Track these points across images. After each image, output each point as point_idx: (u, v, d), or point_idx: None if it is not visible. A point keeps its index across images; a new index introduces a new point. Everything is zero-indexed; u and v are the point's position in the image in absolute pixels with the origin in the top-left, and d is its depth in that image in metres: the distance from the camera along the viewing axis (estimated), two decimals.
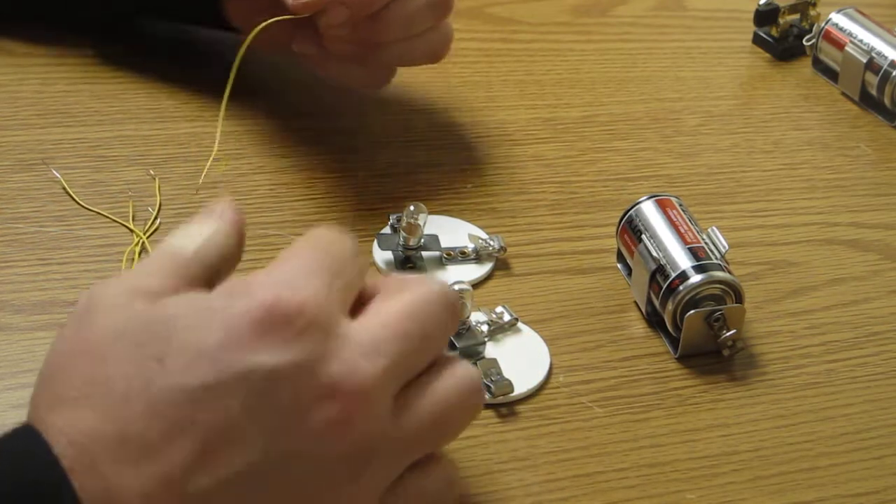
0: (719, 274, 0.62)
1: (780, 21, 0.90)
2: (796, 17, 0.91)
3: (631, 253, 0.65)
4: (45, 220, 0.68)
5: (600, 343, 0.63)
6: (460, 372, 0.49)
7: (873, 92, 0.83)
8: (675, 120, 0.82)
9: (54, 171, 0.71)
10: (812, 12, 0.91)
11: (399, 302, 0.48)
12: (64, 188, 0.70)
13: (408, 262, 0.66)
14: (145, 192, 0.70)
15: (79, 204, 0.69)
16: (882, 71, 0.82)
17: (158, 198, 0.70)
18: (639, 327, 0.65)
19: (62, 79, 0.80)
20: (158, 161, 0.72)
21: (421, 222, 0.66)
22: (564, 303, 0.66)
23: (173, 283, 0.48)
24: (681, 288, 0.61)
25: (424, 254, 0.67)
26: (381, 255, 0.67)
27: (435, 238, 0.68)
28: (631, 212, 0.66)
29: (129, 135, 0.74)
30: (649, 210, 0.66)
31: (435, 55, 0.72)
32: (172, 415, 0.43)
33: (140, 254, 0.66)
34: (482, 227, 0.69)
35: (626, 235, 0.66)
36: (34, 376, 0.58)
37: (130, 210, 0.69)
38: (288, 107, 0.79)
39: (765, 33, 0.90)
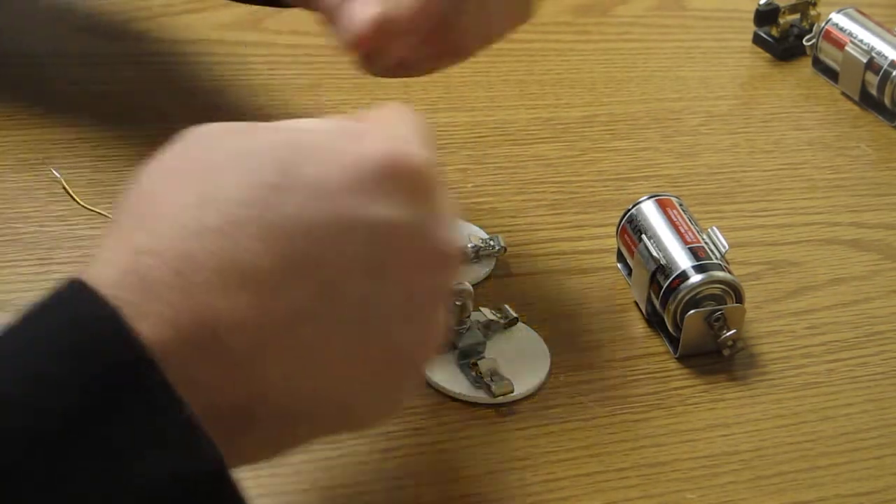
0: (719, 274, 0.62)
1: (781, 21, 0.90)
2: (796, 17, 0.91)
3: (631, 253, 0.65)
4: (45, 219, 0.68)
5: (600, 343, 0.63)
6: None
7: (873, 92, 0.83)
8: (676, 120, 0.82)
9: (54, 171, 0.71)
10: (812, 12, 0.91)
11: None
12: (64, 188, 0.70)
13: None
14: None
15: (79, 204, 0.69)
16: (882, 71, 0.82)
17: None
18: (639, 327, 0.65)
19: (62, 79, 0.80)
20: None
21: None
22: (564, 303, 0.65)
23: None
24: (681, 288, 0.61)
25: None
26: None
27: None
28: (631, 211, 0.66)
29: (129, 135, 0.74)
30: (649, 210, 0.66)
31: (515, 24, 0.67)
32: (288, 248, 0.41)
33: None
34: (482, 227, 0.69)
35: (626, 235, 0.66)
36: None
37: None
38: (288, 105, 0.79)
39: (765, 33, 0.90)
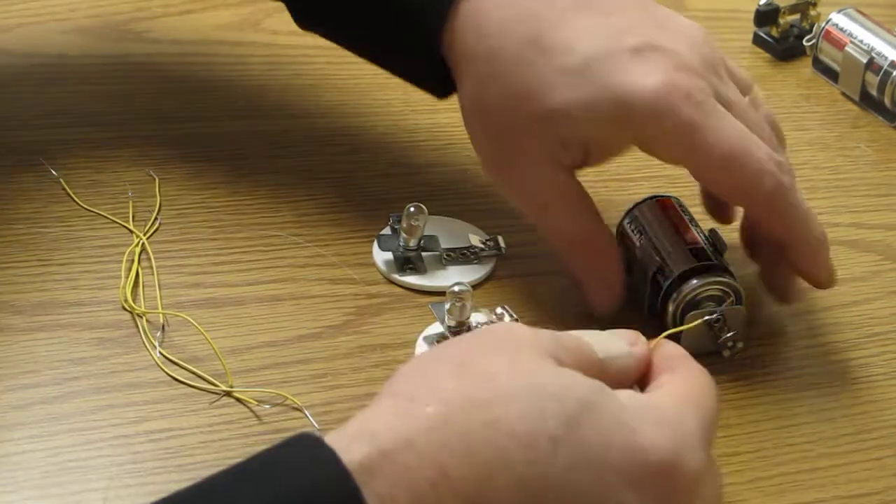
0: (719, 276, 0.62)
1: (781, 21, 0.90)
2: (796, 17, 0.91)
3: (632, 253, 0.65)
4: (45, 220, 0.68)
5: None
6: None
7: (873, 92, 0.83)
8: None
9: (54, 172, 0.71)
10: (812, 12, 0.91)
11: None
12: (64, 188, 0.70)
13: (408, 262, 0.66)
14: (145, 192, 0.70)
15: (79, 204, 0.69)
16: (882, 71, 0.82)
17: (158, 198, 0.70)
18: (640, 326, 0.65)
19: (62, 79, 0.80)
20: (159, 161, 0.72)
21: (421, 223, 0.66)
22: (565, 304, 0.65)
23: (576, 366, 0.48)
24: (681, 289, 0.61)
25: (424, 254, 0.67)
26: (381, 256, 0.67)
27: (435, 239, 0.68)
28: (632, 212, 0.66)
29: (129, 135, 0.74)
30: (650, 210, 0.66)
31: None
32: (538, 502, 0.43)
33: (140, 254, 0.65)
34: (482, 228, 0.69)
35: (626, 236, 0.66)
36: (34, 377, 0.58)
37: (130, 210, 0.69)
38: (288, 107, 0.79)
39: (765, 33, 0.90)
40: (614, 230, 0.67)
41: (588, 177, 0.75)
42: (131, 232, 0.67)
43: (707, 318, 0.61)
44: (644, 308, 0.64)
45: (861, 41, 0.84)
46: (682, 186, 0.75)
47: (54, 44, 0.83)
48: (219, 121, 0.77)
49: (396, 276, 0.66)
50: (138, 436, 0.56)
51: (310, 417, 0.57)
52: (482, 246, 0.67)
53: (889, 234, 0.73)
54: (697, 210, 0.69)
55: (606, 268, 0.63)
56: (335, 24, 0.70)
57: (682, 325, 0.62)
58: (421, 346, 0.62)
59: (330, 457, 0.42)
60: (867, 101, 0.84)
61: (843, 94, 0.86)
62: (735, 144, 0.60)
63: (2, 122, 0.74)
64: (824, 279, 0.64)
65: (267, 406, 0.58)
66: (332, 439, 0.43)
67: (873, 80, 0.83)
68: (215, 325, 0.62)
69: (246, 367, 0.60)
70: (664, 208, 0.66)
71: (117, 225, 0.68)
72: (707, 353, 0.62)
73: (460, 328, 0.61)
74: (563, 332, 0.50)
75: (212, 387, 0.59)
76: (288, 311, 0.64)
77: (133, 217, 0.68)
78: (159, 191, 0.70)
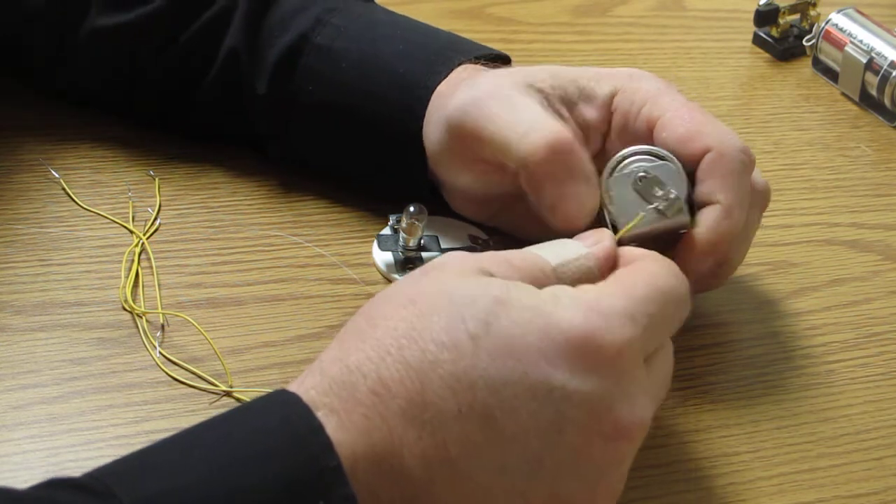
0: (649, 149, 0.60)
1: (780, 21, 0.90)
2: (796, 17, 0.91)
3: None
4: (45, 220, 0.68)
5: None
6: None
7: (873, 92, 0.83)
8: None
9: (54, 172, 0.71)
10: (812, 12, 0.91)
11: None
12: (64, 188, 0.70)
13: (408, 263, 0.66)
14: (145, 192, 0.70)
15: (79, 204, 0.69)
16: (882, 71, 0.82)
17: (158, 198, 0.70)
18: None
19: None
20: (158, 161, 0.72)
21: (421, 223, 0.66)
22: None
23: (522, 278, 0.51)
24: (610, 160, 0.60)
25: (424, 255, 0.67)
26: (381, 256, 0.67)
27: (435, 239, 0.68)
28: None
29: (129, 135, 0.74)
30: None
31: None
32: (471, 398, 0.47)
33: (140, 254, 0.66)
34: (482, 228, 0.69)
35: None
36: (34, 377, 0.58)
37: (130, 210, 0.69)
38: None
39: (765, 33, 0.90)
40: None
41: None
42: (131, 232, 0.67)
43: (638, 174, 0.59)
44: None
45: (861, 41, 0.84)
46: None
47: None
48: None
49: (396, 276, 0.66)
50: (138, 436, 0.56)
51: None
52: (481, 247, 0.67)
53: (889, 234, 0.73)
54: None
55: (575, 170, 0.60)
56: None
57: (610, 188, 0.59)
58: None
59: (283, 392, 0.48)
60: (867, 101, 0.84)
61: (843, 94, 0.86)
62: (698, 113, 0.62)
63: (2, 122, 0.74)
64: (697, 267, 0.60)
65: None
66: (292, 382, 0.49)
67: (873, 80, 0.83)
68: (215, 325, 0.62)
69: (246, 367, 0.60)
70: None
71: (117, 225, 0.68)
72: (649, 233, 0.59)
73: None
74: (514, 251, 0.53)
75: (212, 387, 0.59)
76: (288, 311, 0.64)
77: (133, 217, 0.68)
78: (159, 191, 0.70)
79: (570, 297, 0.49)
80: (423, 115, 0.65)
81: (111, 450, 0.55)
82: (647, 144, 0.61)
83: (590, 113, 0.63)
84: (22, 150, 0.73)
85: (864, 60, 0.83)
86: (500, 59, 0.69)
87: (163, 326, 0.62)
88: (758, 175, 0.63)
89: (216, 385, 0.59)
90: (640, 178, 0.59)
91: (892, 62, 0.82)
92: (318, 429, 0.46)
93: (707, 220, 0.59)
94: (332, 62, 0.68)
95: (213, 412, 0.57)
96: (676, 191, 0.59)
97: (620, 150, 0.61)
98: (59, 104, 0.76)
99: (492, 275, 0.50)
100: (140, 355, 0.60)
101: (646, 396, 0.49)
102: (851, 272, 0.70)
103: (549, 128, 0.60)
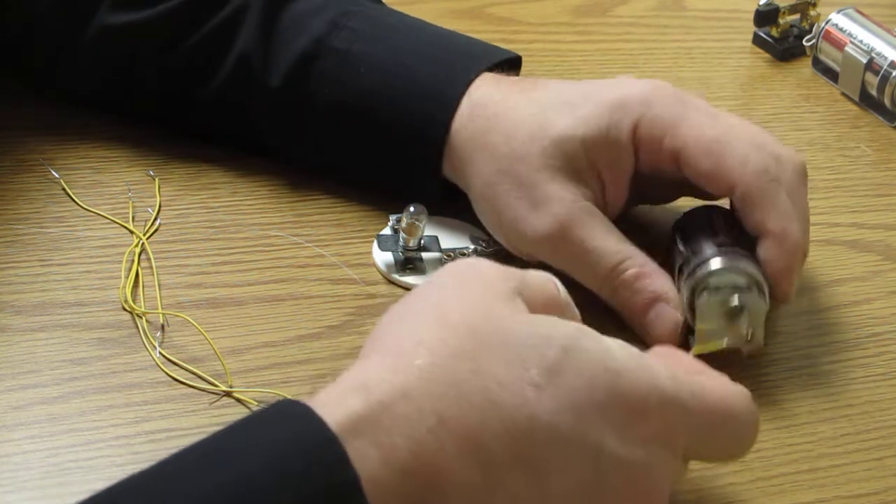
0: (744, 263, 0.60)
1: (780, 21, 0.90)
2: (796, 17, 0.91)
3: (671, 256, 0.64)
4: (45, 220, 0.68)
5: None
6: None
7: (873, 92, 0.83)
8: None
9: (54, 172, 0.71)
10: (812, 12, 0.91)
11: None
12: (64, 189, 0.70)
13: (408, 263, 0.66)
14: (145, 192, 0.70)
15: (79, 205, 0.69)
16: (882, 71, 0.82)
17: (158, 198, 0.70)
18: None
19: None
20: (158, 161, 0.72)
21: (421, 223, 0.66)
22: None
23: (541, 303, 0.51)
24: (698, 270, 0.60)
25: (424, 255, 0.67)
26: (381, 257, 0.67)
27: (435, 239, 0.68)
28: (682, 218, 0.66)
29: (129, 135, 0.74)
30: (698, 213, 0.65)
31: None
32: (526, 445, 0.46)
33: (140, 254, 0.66)
34: (483, 229, 0.69)
35: (672, 240, 0.65)
36: (34, 377, 0.58)
37: (130, 211, 0.69)
38: None
39: (765, 33, 0.90)
40: (646, 243, 0.66)
41: None
42: (131, 232, 0.67)
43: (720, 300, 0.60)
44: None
45: (861, 41, 0.84)
46: None
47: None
48: None
49: (396, 276, 0.66)
50: (138, 436, 0.56)
51: None
52: (481, 247, 0.67)
53: (889, 234, 0.73)
54: None
55: (654, 288, 0.62)
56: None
57: (695, 308, 0.60)
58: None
59: (306, 412, 0.45)
60: (867, 101, 0.84)
61: (843, 94, 0.86)
62: (720, 134, 0.62)
63: (2, 122, 0.74)
64: (784, 290, 0.61)
65: None
66: (325, 395, 0.46)
67: (873, 80, 0.83)
68: (215, 325, 0.62)
69: (246, 367, 0.60)
70: (710, 214, 0.64)
71: (117, 225, 0.68)
72: (726, 352, 0.60)
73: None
74: (526, 270, 0.52)
75: (212, 387, 0.59)
76: (288, 311, 0.64)
77: (133, 217, 0.68)
78: (159, 191, 0.70)
79: (635, 359, 0.49)
80: (446, 123, 0.65)
81: (111, 450, 0.55)
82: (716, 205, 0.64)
83: (618, 157, 0.63)
84: (22, 150, 0.72)
85: (865, 60, 0.83)
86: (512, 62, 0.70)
87: (163, 326, 0.62)
88: (787, 152, 0.63)
89: (216, 385, 0.59)
90: (732, 308, 0.60)
91: (892, 62, 0.82)
92: (335, 448, 0.44)
93: (767, 253, 0.60)
94: (349, 66, 0.68)
95: (213, 412, 0.57)
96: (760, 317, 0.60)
97: (652, 171, 0.63)
98: (59, 104, 0.76)
99: (525, 298, 0.50)
100: (140, 355, 0.60)
101: (670, 482, 0.49)
102: (851, 272, 0.70)
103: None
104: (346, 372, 0.47)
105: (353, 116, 0.68)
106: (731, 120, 0.63)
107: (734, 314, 0.60)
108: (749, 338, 0.60)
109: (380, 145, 0.68)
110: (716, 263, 0.60)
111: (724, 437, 0.51)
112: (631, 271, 0.62)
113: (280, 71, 0.69)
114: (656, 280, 0.62)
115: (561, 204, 0.62)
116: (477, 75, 0.67)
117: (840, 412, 0.61)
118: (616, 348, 0.49)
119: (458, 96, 0.66)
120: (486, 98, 0.66)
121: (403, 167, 0.68)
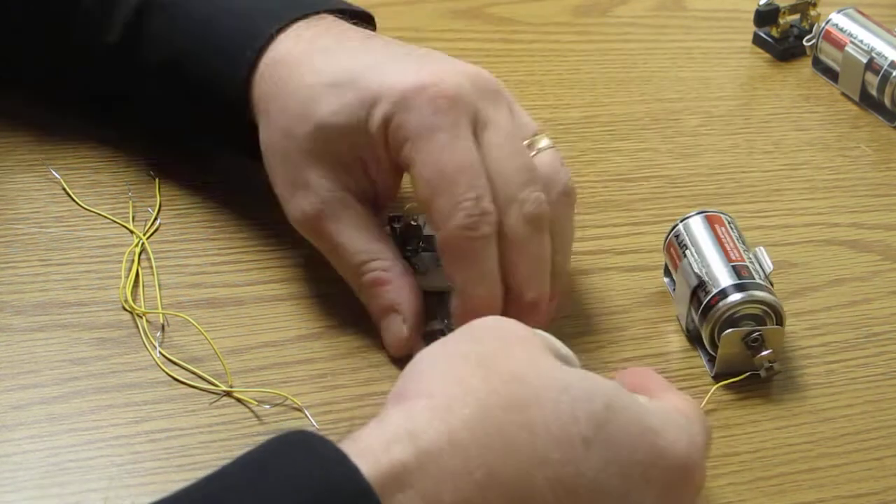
0: (760, 294, 0.61)
1: (781, 21, 0.90)
2: (796, 17, 0.91)
3: (675, 267, 0.65)
4: (45, 220, 0.68)
5: (600, 344, 0.63)
6: None
7: (873, 92, 0.83)
8: (676, 120, 0.82)
9: (54, 172, 0.71)
10: (812, 12, 0.91)
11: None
12: (64, 189, 0.70)
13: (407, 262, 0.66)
14: (145, 192, 0.70)
15: (79, 204, 0.69)
16: (882, 71, 0.82)
17: (158, 198, 0.70)
18: (640, 327, 0.65)
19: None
20: (158, 161, 0.72)
21: (421, 223, 0.66)
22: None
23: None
24: (720, 306, 0.61)
25: (424, 254, 0.67)
26: None
27: (435, 239, 0.68)
28: (679, 226, 0.65)
29: (129, 135, 0.74)
30: (697, 226, 0.65)
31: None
32: (567, 502, 0.45)
33: (140, 254, 0.66)
34: None
35: (672, 249, 0.65)
36: (34, 377, 0.58)
37: (130, 211, 0.69)
38: None
39: (765, 34, 0.90)
40: (614, 231, 0.67)
41: (588, 177, 0.76)
42: (131, 232, 0.67)
43: (746, 336, 0.60)
44: (683, 328, 0.64)
45: (861, 41, 0.84)
46: (682, 187, 0.76)
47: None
48: None
49: None
50: (138, 436, 0.56)
51: (310, 417, 0.57)
52: None
53: (889, 234, 0.73)
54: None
55: (393, 299, 0.61)
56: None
57: (718, 341, 0.61)
58: None
59: (342, 459, 0.43)
60: (867, 101, 0.84)
61: (843, 94, 0.86)
62: (444, 166, 0.57)
63: (2, 122, 0.74)
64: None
65: (267, 406, 0.58)
66: (369, 438, 0.44)
67: (873, 80, 0.83)
68: (215, 325, 0.62)
69: (246, 367, 0.60)
70: (712, 224, 0.65)
71: (117, 225, 0.68)
72: (742, 372, 0.61)
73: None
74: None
75: (212, 387, 0.59)
76: (288, 311, 0.64)
77: (133, 217, 0.68)
78: (159, 191, 0.70)
79: (674, 416, 0.49)
80: (242, 82, 0.63)
81: (111, 450, 0.55)
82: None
83: (375, 150, 0.60)
84: (22, 150, 0.73)
85: (865, 60, 0.83)
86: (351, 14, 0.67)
87: (163, 326, 0.62)
88: (559, 173, 0.60)
89: (216, 385, 0.59)
90: (754, 340, 0.60)
91: (892, 62, 0.82)
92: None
93: (453, 305, 0.60)
94: (172, 21, 0.67)
95: (213, 412, 0.57)
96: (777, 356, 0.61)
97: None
98: (59, 104, 0.76)
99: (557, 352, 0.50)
100: (140, 355, 0.60)
101: None
102: (851, 272, 0.70)
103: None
104: (388, 412, 0.46)
105: (172, 75, 0.67)
106: (496, 153, 0.58)
107: (754, 343, 0.61)
108: (769, 363, 0.61)
109: (193, 105, 0.67)
110: (734, 297, 0.61)
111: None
112: (371, 275, 0.61)
113: (115, 26, 0.68)
114: (394, 289, 0.60)
115: (316, 193, 0.61)
116: (281, 30, 0.63)
117: (840, 412, 0.61)
118: (646, 403, 0.49)
119: (257, 52, 0.63)
120: (281, 57, 0.63)
121: (216, 128, 0.67)
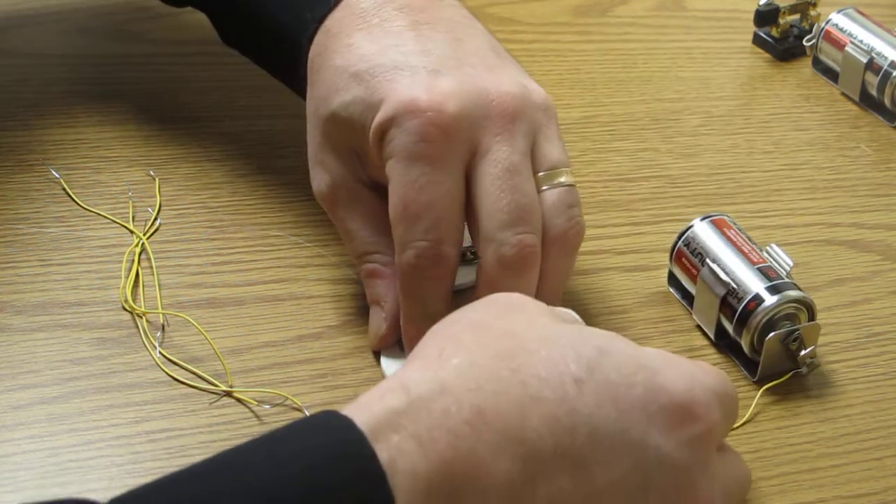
0: (793, 293, 0.61)
1: (781, 21, 0.90)
2: (796, 17, 0.91)
3: (692, 277, 0.64)
4: (45, 220, 0.68)
5: None
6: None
7: (873, 92, 0.83)
8: (676, 120, 0.82)
9: (54, 172, 0.71)
10: (812, 12, 0.91)
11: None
12: (64, 189, 0.70)
13: None
14: (145, 192, 0.70)
15: (79, 204, 0.69)
16: (882, 71, 0.82)
17: (158, 198, 0.70)
18: (641, 327, 0.65)
19: (62, 79, 0.80)
20: (159, 162, 0.72)
21: None
22: (563, 304, 0.65)
23: None
24: (758, 311, 0.61)
25: None
26: None
27: None
28: (686, 234, 0.65)
29: (129, 135, 0.74)
30: (705, 232, 0.64)
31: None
32: (568, 442, 0.46)
33: (140, 254, 0.66)
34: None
35: (684, 259, 0.65)
36: (35, 377, 0.58)
37: (130, 211, 0.69)
38: (288, 107, 0.79)
39: (765, 33, 0.90)
40: (614, 231, 0.67)
41: (588, 177, 0.76)
42: (131, 232, 0.67)
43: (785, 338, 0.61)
44: (711, 332, 0.64)
45: (861, 41, 0.84)
46: (682, 187, 0.76)
47: (55, 44, 0.83)
48: (219, 121, 0.77)
49: None
50: (138, 436, 0.56)
51: None
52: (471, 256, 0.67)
53: (889, 234, 0.73)
54: (698, 211, 0.69)
55: (381, 294, 0.61)
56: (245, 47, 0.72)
57: (760, 347, 0.61)
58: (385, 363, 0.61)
59: (344, 422, 0.44)
60: (867, 101, 0.84)
61: (843, 94, 0.86)
62: (411, 201, 0.56)
63: (2, 122, 0.74)
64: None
65: (267, 406, 0.58)
66: (365, 397, 0.46)
67: (873, 80, 0.83)
68: (215, 325, 0.62)
69: (246, 367, 0.60)
70: (720, 228, 0.65)
71: (117, 225, 0.68)
72: (780, 373, 0.62)
73: None
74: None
75: (212, 387, 0.59)
76: (288, 311, 0.64)
77: (133, 217, 0.68)
78: (159, 191, 0.70)
79: (673, 360, 0.49)
80: (301, 46, 0.63)
81: (111, 450, 0.55)
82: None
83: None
84: (22, 150, 0.73)
85: (865, 60, 0.83)
86: None
87: (163, 326, 0.62)
88: (560, 216, 0.58)
89: (216, 385, 0.59)
90: (795, 339, 0.61)
91: (892, 62, 0.82)
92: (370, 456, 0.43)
93: None
94: None
95: (213, 412, 0.57)
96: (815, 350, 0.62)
97: None
98: (59, 104, 0.76)
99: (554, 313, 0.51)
100: (140, 355, 0.60)
101: (720, 484, 0.49)
102: (851, 272, 0.70)
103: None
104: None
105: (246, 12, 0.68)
106: (487, 187, 0.56)
107: (794, 342, 0.61)
108: (809, 359, 0.61)
109: (260, 47, 0.69)
110: (771, 300, 0.61)
111: (734, 417, 0.52)
112: (369, 266, 0.61)
113: None
114: (385, 284, 0.60)
115: (332, 176, 0.61)
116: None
117: (840, 412, 0.61)
118: (649, 350, 0.50)
119: (319, 18, 0.62)
120: (331, 27, 0.62)
121: (279, 72, 0.69)
